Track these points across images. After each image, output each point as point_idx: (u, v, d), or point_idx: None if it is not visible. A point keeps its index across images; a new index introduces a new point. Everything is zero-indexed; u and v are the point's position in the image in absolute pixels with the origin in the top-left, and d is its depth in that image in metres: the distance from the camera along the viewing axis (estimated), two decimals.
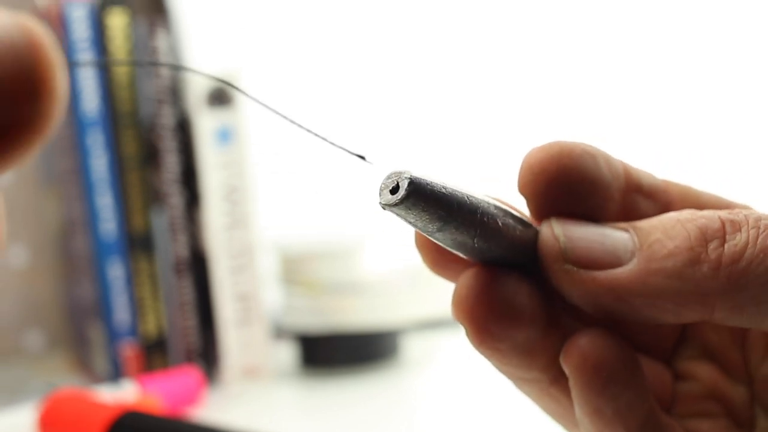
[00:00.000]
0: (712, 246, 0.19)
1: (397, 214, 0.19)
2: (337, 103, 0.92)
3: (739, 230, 0.20)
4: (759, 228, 0.19)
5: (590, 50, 0.86)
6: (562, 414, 0.23)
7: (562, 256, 0.20)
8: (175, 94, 0.70)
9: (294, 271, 0.73)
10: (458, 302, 0.21)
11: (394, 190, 0.18)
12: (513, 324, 0.21)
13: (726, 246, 0.19)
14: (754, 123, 0.81)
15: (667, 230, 0.20)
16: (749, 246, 0.19)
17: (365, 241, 0.73)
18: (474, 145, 0.90)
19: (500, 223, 0.20)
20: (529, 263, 0.21)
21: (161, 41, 0.69)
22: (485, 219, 0.19)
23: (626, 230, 0.21)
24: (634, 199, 0.23)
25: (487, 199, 0.20)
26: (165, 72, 0.70)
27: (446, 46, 0.91)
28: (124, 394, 0.58)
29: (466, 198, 0.19)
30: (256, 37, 0.91)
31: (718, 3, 0.82)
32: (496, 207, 0.20)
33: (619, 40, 0.85)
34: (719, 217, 0.20)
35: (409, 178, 0.18)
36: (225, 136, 0.69)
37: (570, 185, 0.22)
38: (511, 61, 0.89)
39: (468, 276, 0.21)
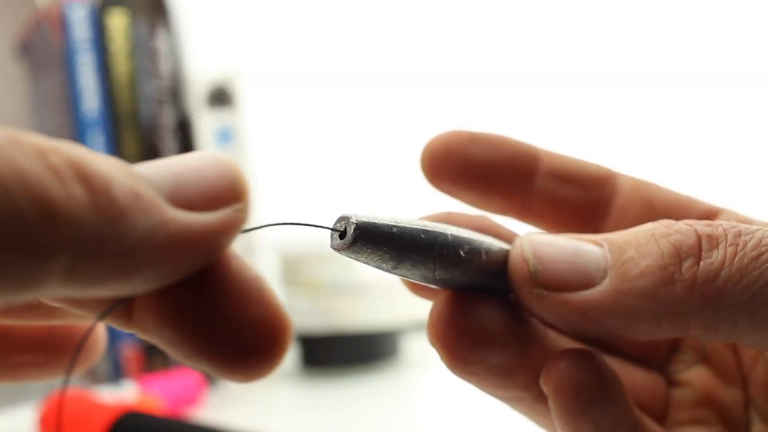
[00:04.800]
0: (686, 264, 0.19)
1: (350, 257, 0.19)
2: (336, 102, 0.92)
3: (716, 247, 0.19)
4: (737, 245, 0.18)
5: (575, 64, 0.86)
6: (552, 427, 0.23)
7: (532, 280, 0.20)
8: (176, 94, 0.70)
9: (294, 271, 0.73)
10: (430, 328, 0.21)
11: (342, 235, 0.18)
12: (484, 348, 0.20)
13: (701, 264, 0.18)
14: (751, 125, 0.81)
15: (640, 247, 0.19)
16: (725, 265, 0.18)
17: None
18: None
19: (462, 254, 0.20)
20: (504, 285, 0.21)
21: (161, 42, 0.69)
22: (444, 252, 0.19)
23: (600, 245, 0.20)
24: (546, 183, 0.24)
25: (447, 230, 0.20)
26: (165, 73, 0.70)
27: (444, 45, 0.91)
28: (125, 394, 0.58)
29: (420, 234, 0.19)
30: (256, 38, 0.91)
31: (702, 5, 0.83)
32: (456, 237, 0.20)
33: (604, 51, 0.85)
34: (696, 232, 0.19)
35: (355, 223, 0.18)
36: (225, 136, 0.69)
37: (455, 167, 0.24)
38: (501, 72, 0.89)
39: (439, 302, 0.21)
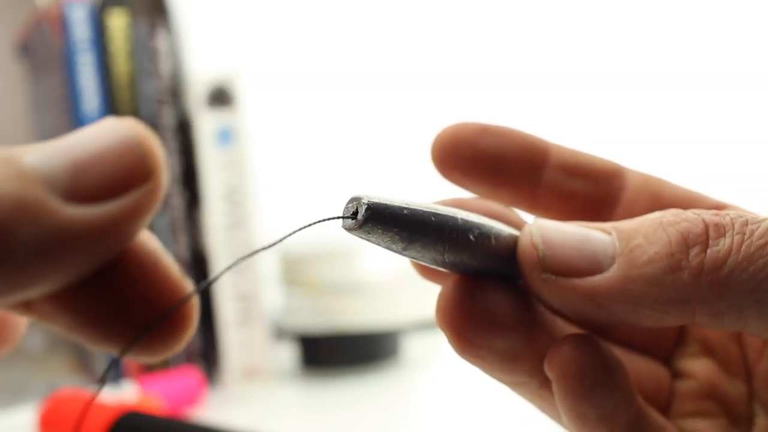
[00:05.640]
0: (693, 252, 0.19)
1: (360, 237, 0.19)
2: (336, 102, 0.92)
3: (723, 235, 0.19)
4: (744, 234, 0.19)
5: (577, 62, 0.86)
6: (556, 414, 0.23)
7: (541, 265, 0.20)
8: (176, 94, 0.70)
9: (294, 271, 0.73)
10: (439, 311, 0.21)
11: (354, 215, 0.19)
12: (492, 333, 0.21)
13: (708, 252, 0.19)
14: (753, 124, 0.81)
15: (648, 234, 0.19)
16: (732, 253, 0.18)
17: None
18: None
19: (472, 237, 0.20)
20: (512, 271, 0.21)
21: (161, 42, 0.69)
22: (454, 235, 0.19)
23: (608, 233, 0.20)
24: (556, 175, 0.24)
25: (458, 214, 0.20)
26: (165, 73, 0.70)
27: (446, 44, 0.91)
28: (125, 394, 0.58)
29: (431, 217, 0.19)
30: (256, 38, 0.91)
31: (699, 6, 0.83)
32: (467, 221, 0.20)
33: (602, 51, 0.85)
34: (703, 220, 0.19)
35: (367, 204, 0.18)
36: (225, 136, 0.69)
37: (465, 158, 0.24)
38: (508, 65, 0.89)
39: (449, 286, 0.21)
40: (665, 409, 0.24)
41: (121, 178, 0.15)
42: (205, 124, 0.69)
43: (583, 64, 0.86)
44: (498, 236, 0.21)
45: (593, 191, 0.24)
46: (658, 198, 0.24)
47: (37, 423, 0.53)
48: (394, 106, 0.92)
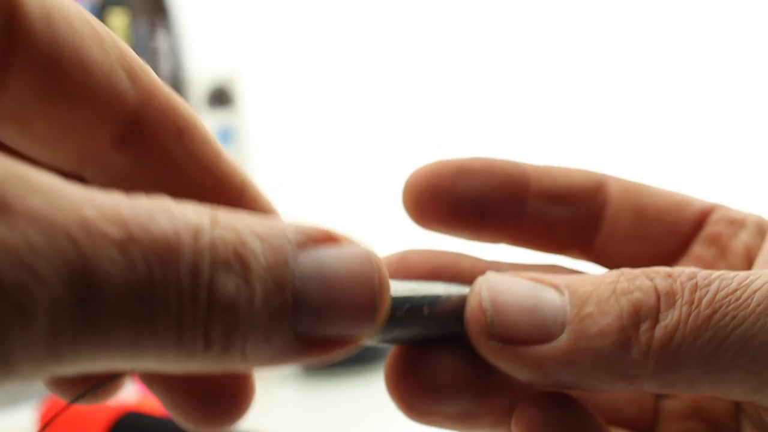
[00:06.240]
0: (643, 327, 0.18)
1: None
2: (336, 102, 0.92)
3: (673, 305, 0.18)
4: (692, 303, 0.18)
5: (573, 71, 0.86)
6: None
7: (488, 332, 0.19)
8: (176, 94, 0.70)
9: None
10: (385, 380, 0.21)
11: None
12: (439, 400, 0.20)
13: (657, 328, 0.18)
14: (751, 125, 0.81)
15: (601, 303, 0.19)
16: (680, 326, 0.18)
17: (365, 243, 0.73)
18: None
19: (400, 314, 0.19)
20: (459, 330, 0.20)
21: (161, 42, 0.69)
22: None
23: (561, 293, 0.19)
24: (537, 206, 0.23)
25: (393, 289, 0.18)
26: (165, 73, 0.70)
27: (443, 45, 0.91)
28: (125, 394, 0.58)
29: None
30: (256, 38, 0.91)
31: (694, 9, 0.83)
32: (393, 298, 0.18)
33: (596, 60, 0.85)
34: (655, 289, 0.19)
35: None
36: (225, 136, 0.69)
37: (444, 206, 0.22)
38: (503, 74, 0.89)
39: (393, 354, 0.21)
40: (650, 431, 0.23)
41: (352, 318, 0.14)
42: (205, 123, 0.69)
43: (576, 65, 0.87)
44: (433, 304, 0.19)
45: (576, 215, 0.23)
46: (642, 210, 0.23)
47: (37, 423, 0.53)
48: (394, 105, 0.92)
